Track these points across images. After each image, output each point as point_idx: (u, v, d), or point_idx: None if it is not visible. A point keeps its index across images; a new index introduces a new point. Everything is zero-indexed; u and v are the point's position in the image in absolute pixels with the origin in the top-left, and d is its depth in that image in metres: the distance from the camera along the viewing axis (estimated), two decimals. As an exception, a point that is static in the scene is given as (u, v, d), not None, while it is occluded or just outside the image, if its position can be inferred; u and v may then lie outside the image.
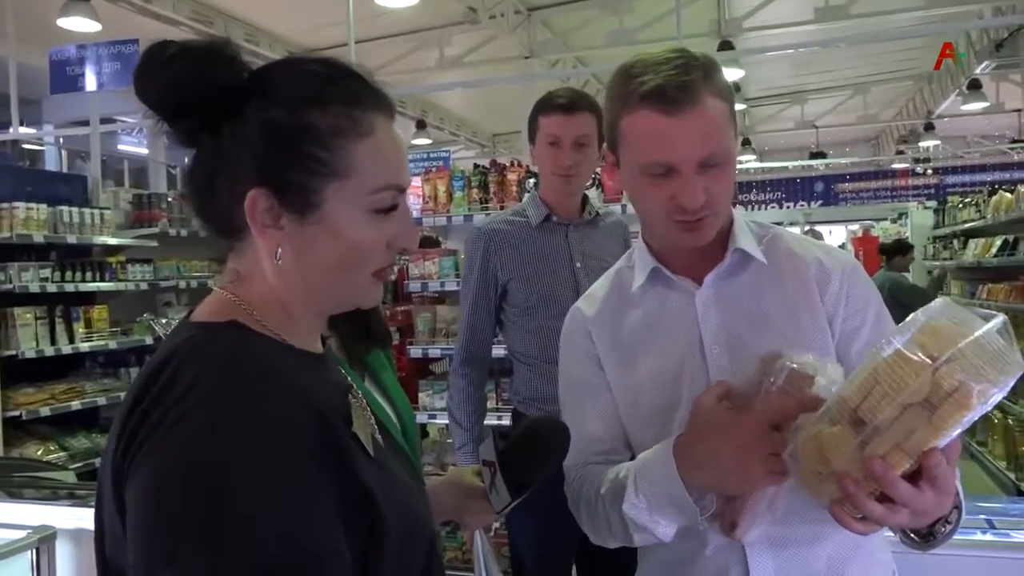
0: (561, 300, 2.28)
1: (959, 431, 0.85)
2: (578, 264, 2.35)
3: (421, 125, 11.79)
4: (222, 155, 0.84)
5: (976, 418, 0.84)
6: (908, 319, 0.87)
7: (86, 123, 6.17)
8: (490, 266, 2.38)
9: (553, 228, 2.39)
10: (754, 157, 15.07)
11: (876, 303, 1.23)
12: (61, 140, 10.66)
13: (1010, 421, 5.91)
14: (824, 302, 1.20)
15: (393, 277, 4.13)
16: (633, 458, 1.24)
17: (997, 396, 0.82)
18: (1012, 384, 0.82)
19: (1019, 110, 11.66)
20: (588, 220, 2.44)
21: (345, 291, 0.90)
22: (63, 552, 2.02)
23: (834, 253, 1.26)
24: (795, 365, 1.02)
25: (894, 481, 0.85)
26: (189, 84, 0.81)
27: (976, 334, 0.82)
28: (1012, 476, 5.70)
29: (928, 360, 0.82)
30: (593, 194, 3.82)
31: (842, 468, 0.87)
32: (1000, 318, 0.83)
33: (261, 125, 0.82)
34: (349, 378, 0.98)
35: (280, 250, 0.84)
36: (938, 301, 0.89)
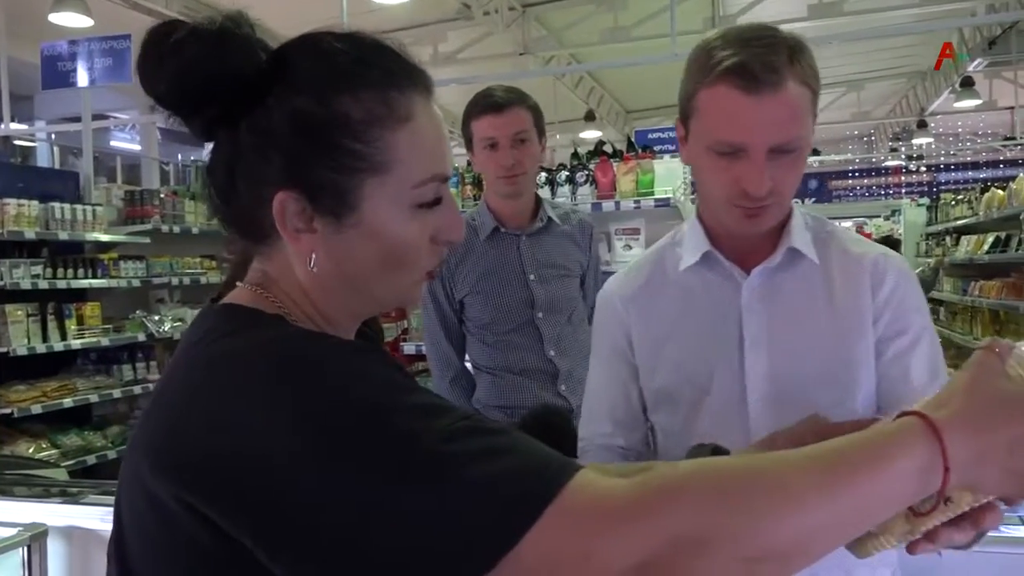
0: (516, 315, 2.22)
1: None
2: (531, 276, 2.24)
3: (415, 121, 11.75)
4: (243, 152, 0.74)
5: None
6: None
7: (78, 119, 6.13)
8: (445, 285, 2.29)
9: (503, 240, 2.26)
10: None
11: (924, 315, 1.20)
12: (53, 136, 10.60)
13: None
14: (874, 303, 1.17)
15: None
16: (650, 438, 1.27)
17: None
18: None
19: (1012, 108, 11.67)
20: (540, 227, 2.29)
21: (388, 294, 0.81)
22: (54, 550, 2.01)
23: (892, 256, 1.23)
24: None
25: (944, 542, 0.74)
26: (200, 74, 0.71)
27: None
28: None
29: None
30: (587, 190, 3.81)
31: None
32: None
33: (286, 117, 0.73)
34: None
35: (314, 256, 0.75)
36: None
